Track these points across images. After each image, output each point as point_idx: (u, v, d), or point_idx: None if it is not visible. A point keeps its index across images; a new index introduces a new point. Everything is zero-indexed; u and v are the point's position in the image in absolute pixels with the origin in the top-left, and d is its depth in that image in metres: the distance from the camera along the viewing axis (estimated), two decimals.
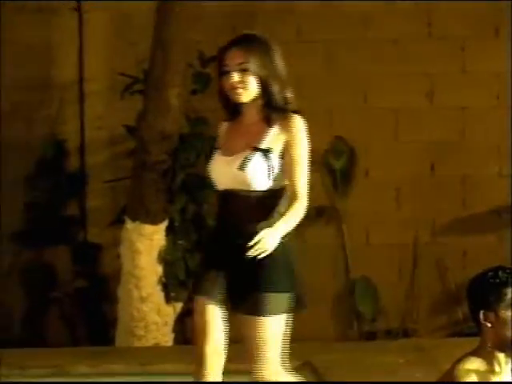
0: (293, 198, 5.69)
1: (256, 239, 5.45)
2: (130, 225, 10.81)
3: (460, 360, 5.01)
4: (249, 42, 5.69)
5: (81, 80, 11.64)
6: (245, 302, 5.69)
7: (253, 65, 5.60)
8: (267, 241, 5.51)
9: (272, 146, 5.65)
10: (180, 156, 10.88)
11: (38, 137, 11.53)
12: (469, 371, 4.93)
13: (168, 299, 10.76)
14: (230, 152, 5.72)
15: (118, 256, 10.92)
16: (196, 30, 10.79)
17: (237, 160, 5.62)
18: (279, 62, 5.77)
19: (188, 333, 10.92)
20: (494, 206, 11.25)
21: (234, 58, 5.62)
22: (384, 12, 11.47)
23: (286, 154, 5.66)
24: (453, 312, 11.14)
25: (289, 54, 11.27)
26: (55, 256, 11.56)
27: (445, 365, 5.20)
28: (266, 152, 5.61)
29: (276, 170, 5.64)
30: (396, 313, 11.37)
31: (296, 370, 9.26)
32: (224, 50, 5.70)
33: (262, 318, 5.67)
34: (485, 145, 11.33)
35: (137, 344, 10.74)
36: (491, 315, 4.90)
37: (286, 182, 5.72)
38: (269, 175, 5.61)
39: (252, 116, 5.74)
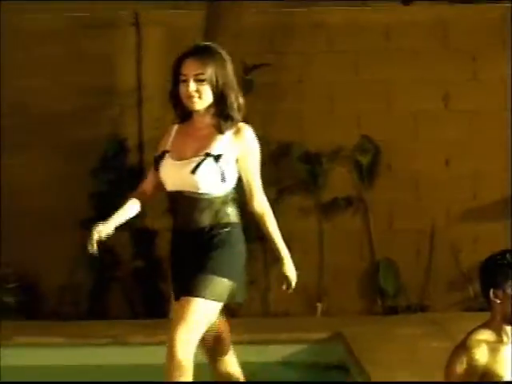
0: (252, 200, 5.61)
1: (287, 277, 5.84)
2: None
3: (472, 332, 4.97)
4: (205, 54, 5.49)
5: (139, 87, 11.79)
6: (185, 284, 5.49)
7: (209, 75, 5.41)
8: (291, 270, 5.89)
9: (223, 153, 5.46)
10: None
11: (102, 136, 11.63)
12: (480, 341, 4.89)
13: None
14: (181, 156, 5.53)
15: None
16: (239, 43, 10.85)
17: (189, 164, 5.45)
18: (232, 73, 5.59)
19: (230, 306, 11.07)
20: (500, 198, 11.24)
21: (192, 68, 5.45)
22: (405, 25, 11.48)
23: (241, 162, 5.54)
24: (465, 290, 11.11)
25: (321, 63, 11.53)
26: (117, 240, 11.55)
27: (458, 336, 5.14)
28: (217, 158, 5.42)
29: (226, 175, 5.46)
30: (415, 290, 11.43)
31: (329, 340, 9.53)
32: (181, 60, 5.53)
33: (195, 298, 5.41)
34: (493, 143, 11.27)
35: None
36: (499, 292, 4.85)
37: (234, 186, 5.60)
38: (219, 180, 5.44)
39: (203, 123, 5.57)
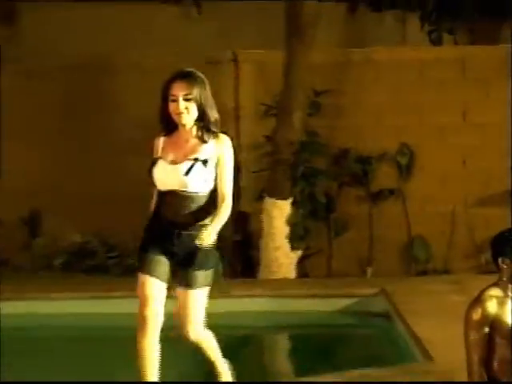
0: (221, 199, 5.28)
1: (200, 238, 5.10)
2: (268, 200, 10.97)
3: (484, 289, 4.80)
4: (190, 77, 5.17)
5: (236, 107, 11.76)
6: (182, 278, 5.23)
7: (195, 95, 5.10)
8: (208, 238, 5.12)
9: (208, 158, 5.13)
10: (300, 156, 10.98)
11: None
12: (491, 296, 4.74)
13: (292, 248, 10.88)
14: (172, 161, 5.16)
15: (261, 220, 11.09)
16: (310, 74, 10.85)
17: (181, 167, 5.10)
18: (210, 93, 5.23)
19: (305, 269, 11.18)
20: (507, 189, 11.14)
21: (181, 89, 5.11)
22: (434, 60, 11.43)
23: (218, 166, 5.21)
24: (478, 258, 11.01)
25: (370, 89, 11.42)
26: None
27: (473, 292, 4.92)
28: (204, 162, 5.10)
29: (210, 177, 5.17)
30: (440, 258, 11.29)
31: (375, 294, 9.47)
32: (171, 82, 5.18)
33: (193, 290, 5.26)
34: (500, 147, 11.14)
35: (272, 277, 10.85)
36: (506, 260, 4.72)
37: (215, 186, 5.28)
38: (205, 180, 5.15)
39: (188, 134, 5.19)
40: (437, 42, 11.56)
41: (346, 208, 11.45)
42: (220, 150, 5.18)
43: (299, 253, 11.02)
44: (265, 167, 11.23)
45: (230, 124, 11.65)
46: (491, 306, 4.80)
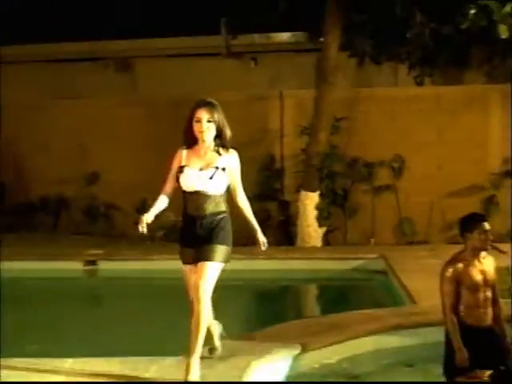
0: (237, 196, 4.78)
1: (262, 242, 4.83)
2: (302, 192, 10.89)
3: (455, 254, 4.82)
4: (211, 106, 4.69)
5: (281, 128, 11.67)
6: (205, 253, 4.61)
7: (215, 119, 4.65)
8: (262, 235, 4.85)
9: (224, 167, 4.66)
10: (325, 162, 10.96)
11: (263, 153, 11.54)
12: (459, 259, 4.73)
13: (319, 225, 10.84)
14: (198, 168, 4.66)
15: (298, 206, 10.96)
16: (332, 106, 10.79)
17: (207, 173, 4.63)
18: (223, 117, 4.72)
19: (327, 240, 11.03)
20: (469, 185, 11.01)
21: (204, 114, 4.64)
22: (417, 95, 11.30)
23: (231, 173, 4.71)
24: (448, 232, 10.70)
25: (372, 116, 11.30)
26: (271, 206, 11.62)
27: (446, 256, 4.92)
28: (223, 169, 4.66)
29: (225, 181, 4.69)
30: (422, 233, 11.12)
31: (377, 258, 9.37)
32: (196, 108, 4.67)
33: (211, 262, 4.62)
34: (464, 156, 11.01)
35: (305, 245, 10.75)
36: (469, 234, 4.69)
37: (227, 189, 4.76)
38: (222, 183, 4.66)
39: (207, 148, 4.69)
40: (420, 83, 11.43)
41: (356, 198, 11.36)
42: (232, 162, 4.73)
43: (324, 229, 10.93)
44: (300, 170, 11.12)
45: (276, 140, 11.68)
46: (459, 266, 4.77)
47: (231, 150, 4.76)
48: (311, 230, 10.79)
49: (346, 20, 10.62)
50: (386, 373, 5.28)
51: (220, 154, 4.71)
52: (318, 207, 10.80)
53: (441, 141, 11.13)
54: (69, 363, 4.93)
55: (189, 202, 4.70)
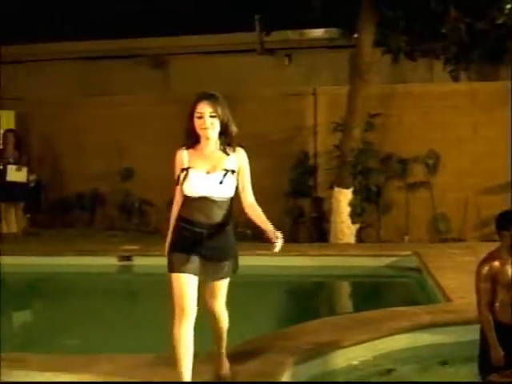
0: (246, 198, 4.24)
1: (277, 243, 4.05)
2: (336, 189, 10.84)
3: (491, 252, 4.79)
4: (214, 98, 4.13)
5: (315, 125, 11.68)
6: (213, 271, 4.21)
7: (219, 113, 4.10)
8: (279, 238, 4.08)
9: (234, 168, 4.16)
10: (359, 158, 10.90)
11: (296, 149, 11.53)
12: (495, 257, 4.71)
13: (352, 222, 10.79)
14: (205, 171, 4.14)
15: (331, 203, 10.92)
16: (367, 103, 10.73)
17: (217, 177, 4.11)
18: (228, 111, 4.17)
19: (361, 236, 11.01)
20: (505, 182, 10.81)
21: (207, 108, 4.10)
22: (452, 91, 11.20)
23: (240, 174, 4.19)
24: (484, 229, 10.65)
25: (407, 113, 11.25)
26: (304, 202, 11.64)
27: (480, 254, 4.93)
28: (232, 172, 4.14)
29: (234, 185, 4.19)
30: (457, 230, 11.04)
31: (411, 255, 9.32)
32: (198, 102, 4.16)
33: (222, 281, 4.29)
34: (500, 152, 10.83)
35: (338, 242, 10.71)
36: (505, 232, 4.65)
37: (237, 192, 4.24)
38: (232, 188, 4.17)
39: (211, 147, 4.15)
40: (455, 78, 11.34)
41: (390, 194, 11.32)
42: (241, 162, 4.21)
43: (357, 225, 10.88)
44: (334, 166, 11.09)
45: (310, 137, 11.67)
46: (495, 264, 4.75)
47: (238, 149, 4.23)
48: (344, 226, 10.75)
49: (380, 16, 10.57)
50: (420, 370, 5.27)
51: (227, 154, 4.19)
52: (351, 204, 10.75)
53: (476, 137, 11.04)
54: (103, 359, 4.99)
55: (193, 209, 4.16)
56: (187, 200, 4.19)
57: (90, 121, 12.39)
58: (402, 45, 10.87)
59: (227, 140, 4.19)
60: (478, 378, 4.80)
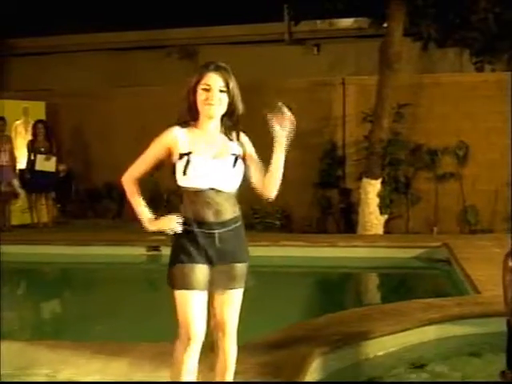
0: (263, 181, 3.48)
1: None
2: (364, 180, 10.83)
3: None
4: (225, 71, 3.43)
5: (344, 115, 11.66)
6: (224, 277, 3.45)
7: (231, 88, 3.40)
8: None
9: (240, 154, 3.45)
10: (388, 149, 10.88)
11: (325, 140, 11.56)
12: None
13: (381, 213, 10.75)
14: (210, 156, 3.40)
15: (359, 193, 10.91)
16: (396, 92, 10.67)
17: (224, 163, 3.40)
18: (238, 90, 3.45)
19: (389, 228, 10.99)
20: None
21: (216, 81, 3.39)
22: (481, 81, 11.18)
23: (249, 158, 3.46)
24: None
25: (436, 103, 11.17)
26: (332, 193, 11.65)
27: (509, 246, 4.64)
28: (242, 158, 3.45)
29: (242, 173, 3.49)
30: (486, 222, 11.03)
31: (440, 246, 9.27)
32: (205, 72, 3.45)
33: (235, 289, 3.50)
34: None
35: (367, 233, 10.72)
36: None
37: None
38: (241, 177, 3.47)
39: (213, 129, 3.44)
40: (480, 70, 11.27)
41: (419, 186, 11.29)
42: (245, 146, 3.50)
43: (386, 216, 10.87)
44: (363, 157, 11.08)
45: (339, 127, 11.66)
46: None
47: (241, 134, 3.53)
48: (373, 217, 10.73)
49: (410, 5, 10.50)
50: (449, 362, 5.24)
51: (231, 140, 3.48)
52: (379, 195, 10.73)
53: (506, 128, 10.93)
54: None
55: (198, 206, 3.41)
56: (189, 195, 3.44)
57: (119, 111, 12.47)
58: (433, 32, 10.78)
59: (231, 121, 3.50)
60: (506, 370, 4.76)
